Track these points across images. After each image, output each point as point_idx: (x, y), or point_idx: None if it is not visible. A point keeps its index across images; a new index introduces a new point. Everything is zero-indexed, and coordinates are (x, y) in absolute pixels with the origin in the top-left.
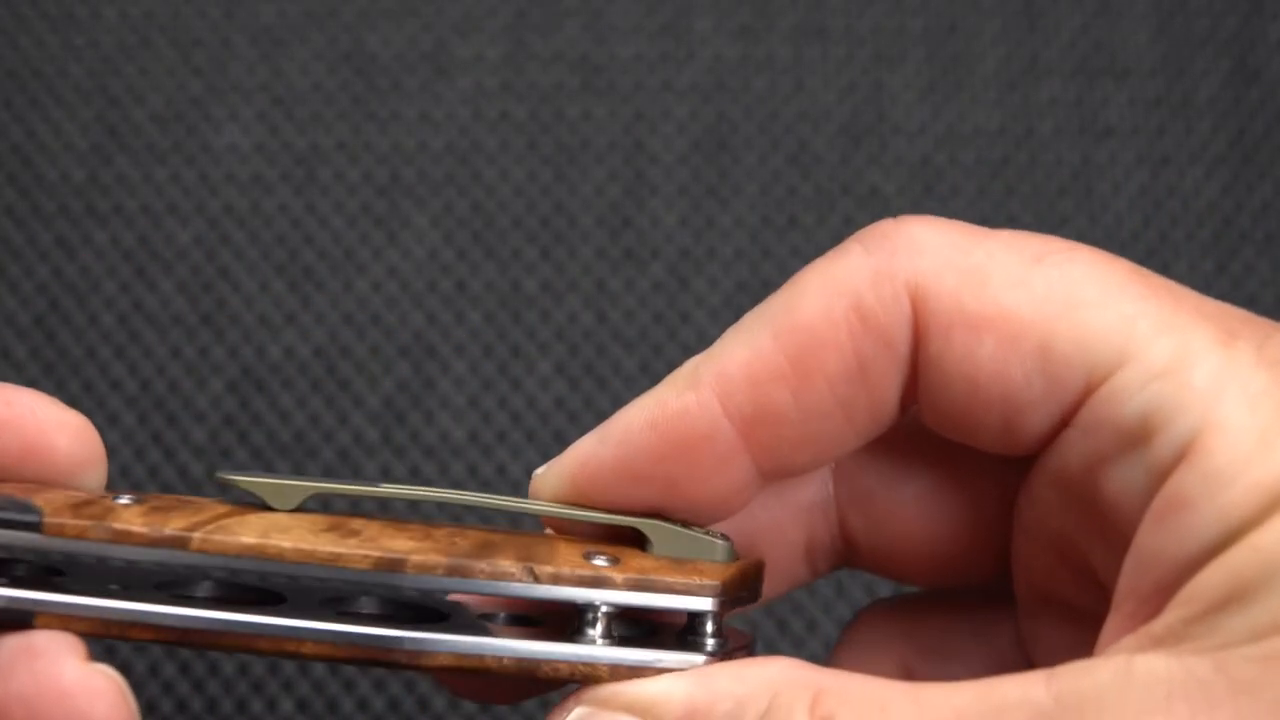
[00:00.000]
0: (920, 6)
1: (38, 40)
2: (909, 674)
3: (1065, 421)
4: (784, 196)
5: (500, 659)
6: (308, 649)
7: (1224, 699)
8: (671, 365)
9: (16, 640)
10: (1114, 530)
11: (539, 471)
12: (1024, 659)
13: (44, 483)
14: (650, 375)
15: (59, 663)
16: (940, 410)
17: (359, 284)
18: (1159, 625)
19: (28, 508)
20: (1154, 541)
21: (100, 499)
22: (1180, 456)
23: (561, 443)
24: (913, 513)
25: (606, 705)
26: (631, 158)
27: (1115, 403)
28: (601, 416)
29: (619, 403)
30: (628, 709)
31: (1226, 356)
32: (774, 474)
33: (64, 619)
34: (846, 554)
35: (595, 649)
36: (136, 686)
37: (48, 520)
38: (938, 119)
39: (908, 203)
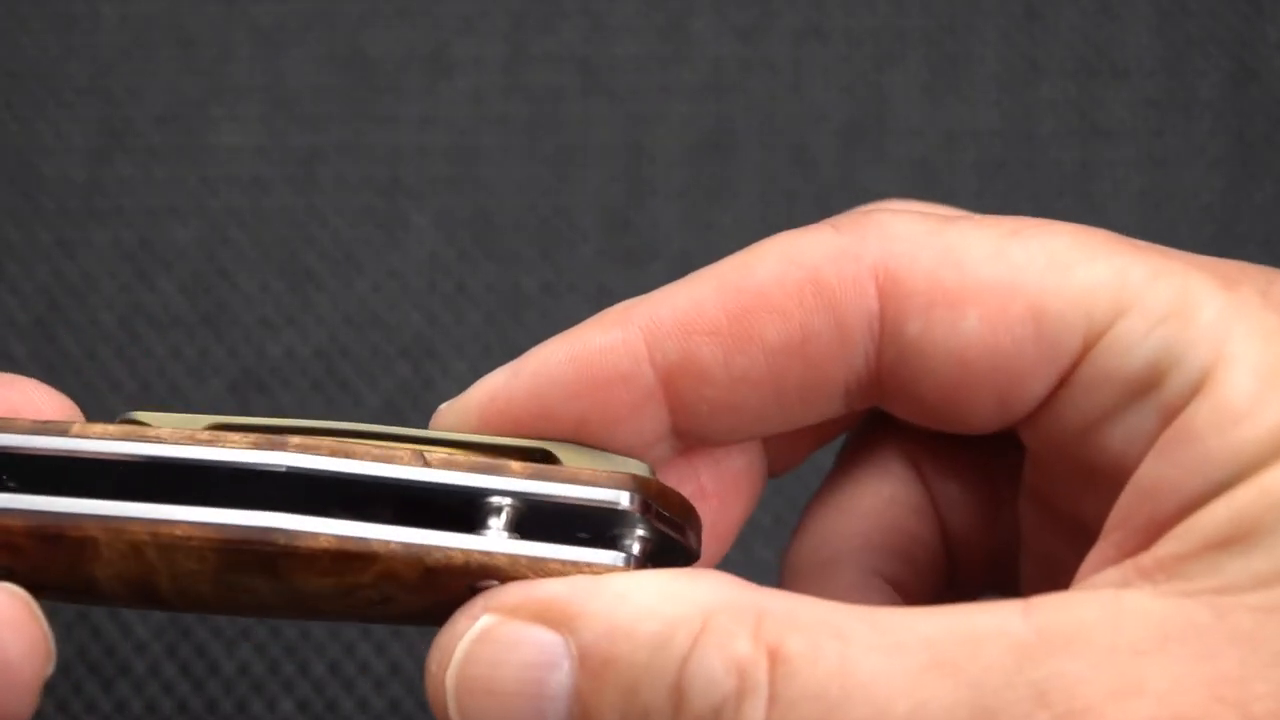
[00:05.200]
0: (920, 6)
1: (38, 40)
2: (917, 469)
3: (1063, 382)
4: (784, 196)
5: (388, 543)
6: (181, 530)
7: (1223, 648)
8: None
9: None
10: (1116, 484)
11: (443, 406)
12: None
13: None
14: None
15: None
16: (922, 397)
17: (359, 284)
18: (1148, 558)
19: None
20: (1155, 472)
21: None
22: (1192, 393)
23: None
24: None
25: (515, 614)
26: (631, 158)
27: (1119, 353)
28: None
29: None
30: (538, 617)
31: (1231, 299)
32: (687, 435)
33: None
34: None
35: (494, 540)
36: (137, 686)
37: None
38: (938, 119)
39: None
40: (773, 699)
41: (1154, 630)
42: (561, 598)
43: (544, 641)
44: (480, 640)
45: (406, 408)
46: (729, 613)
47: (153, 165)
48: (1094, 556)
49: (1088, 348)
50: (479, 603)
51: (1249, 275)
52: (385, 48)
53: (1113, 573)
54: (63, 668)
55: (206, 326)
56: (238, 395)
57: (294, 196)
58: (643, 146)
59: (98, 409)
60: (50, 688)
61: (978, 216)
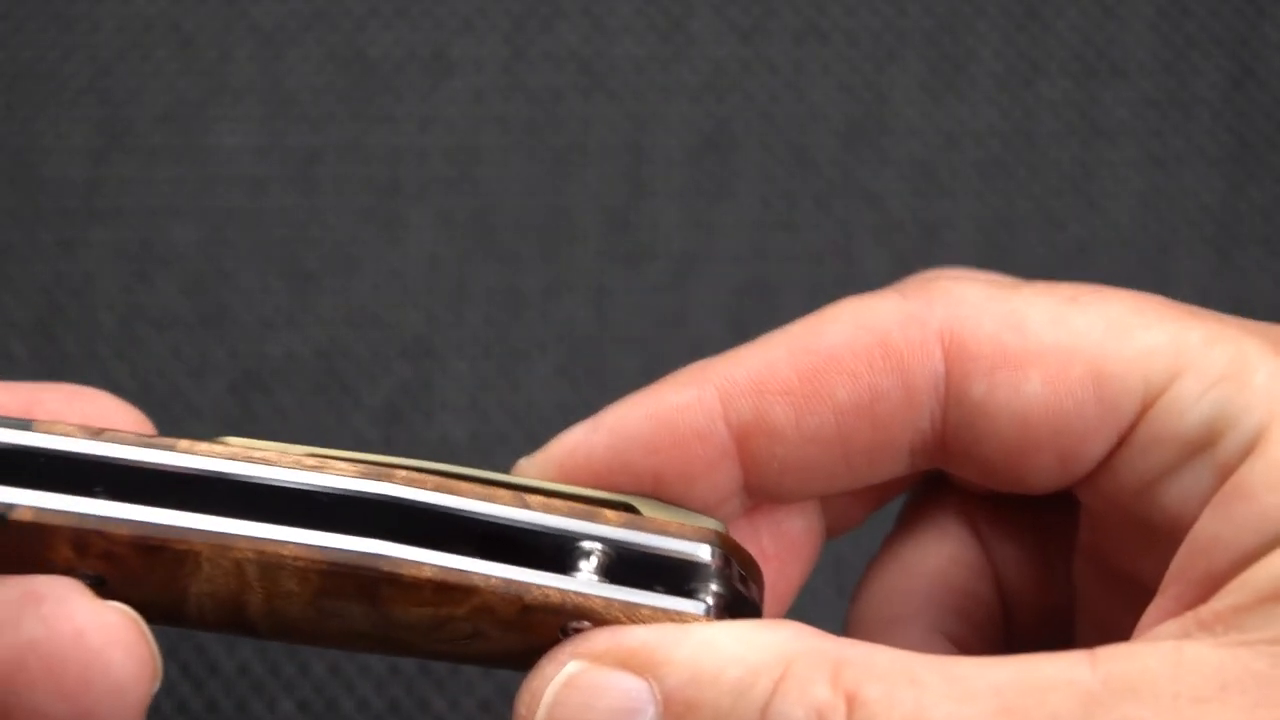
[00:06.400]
0: (920, 6)
1: (38, 40)
2: (975, 529)
3: (1122, 442)
4: (784, 196)
5: (489, 577)
6: (289, 551)
7: (1279, 695)
8: (671, 366)
9: (14, 586)
10: (1173, 541)
11: (523, 460)
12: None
13: None
14: (650, 376)
15: (67, 603)
16: (985, 458)
17: (359, 284)
18: (1207, 611)
19: (23, 421)
20: (1211, 528)
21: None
22: (1246, 452)
23: None
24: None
25: (601, 660)
26: (631, 158)
27: (1176, 413)
28: None
29: None
30: (624, 663)
31: None
32: (757, 492)
33: (39, 513)
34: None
35: (588, 583)
36: None
37: (38, 422)
38: (938, 119)
39: (908, 203)
40: None
41: (1213, 679)
42: (649, 644)
43: (630, 687)
44: (568, 685)
45: (406, 408)
46: (808, 660)
47: (153, 165)
48: (1153, 610)
49: (1146, 409)
50: (566, 648)
51: None
52: (385, 48)
53: (1173, 625)
54: None
55: (206, 326)
56: (238, 395)
57: (294, 196)
58: (643, 146)
59: None
60: None
61: (1039, 284)
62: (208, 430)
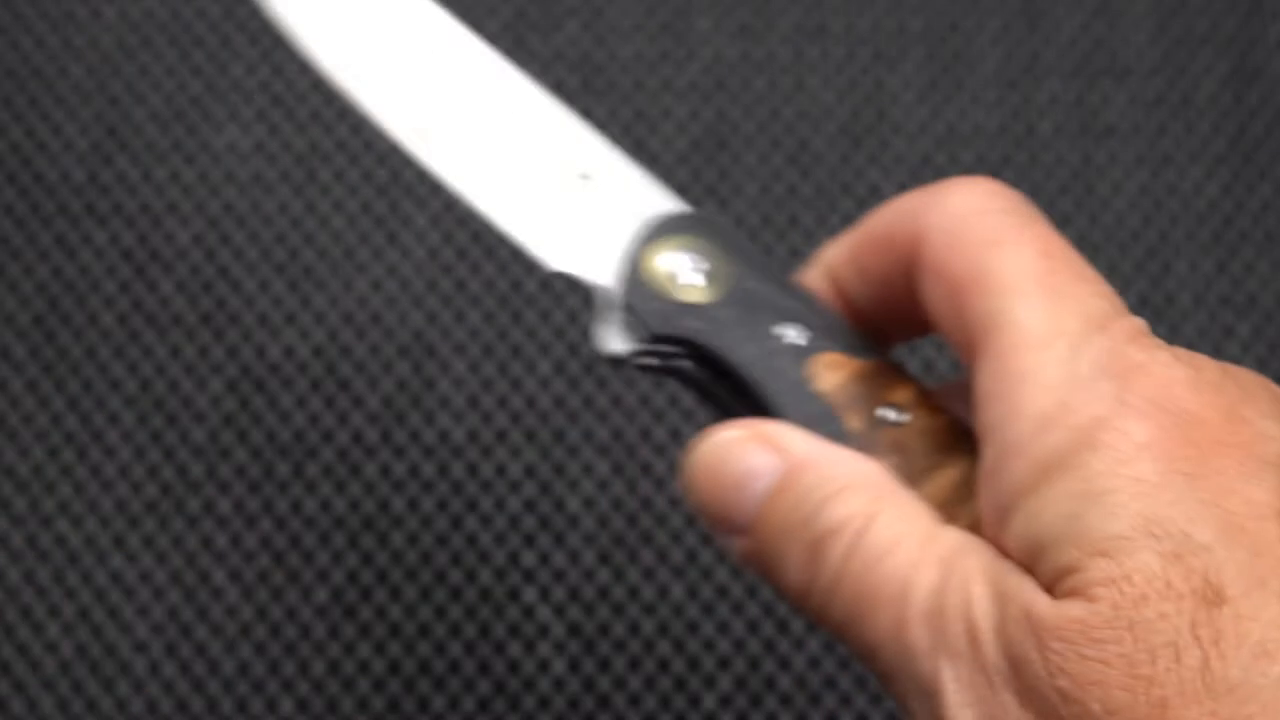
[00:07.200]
0: (920, 6)
1: (38, 40)
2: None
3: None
4: (784, 196)
5: None
6: None
7: None
8: None
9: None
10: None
11: None
12: None
13: None
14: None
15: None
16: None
17: (359, 284)
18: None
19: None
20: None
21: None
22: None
23: (562, 442)
24: None
25: (741, 436)
26: (631, 158)
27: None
28: (601, 416)
29: (619, 402)
30: (758, 438)
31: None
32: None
33: None
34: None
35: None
36: (137, 686)
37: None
38: (938, 119)
39: None
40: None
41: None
42: (780, 431)
43: (758, 459)
44: (713, 448)
45: (407, 407)
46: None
47: (152, 165)
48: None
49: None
50: (719, 427)
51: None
52: None
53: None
54: (63, 667)
55: (206, 326)
56: (237, 395)
57: (294, 196)
58: (643, 146)
59: (98, 409)
60: (50, 687)
61: (1035, 231)
62: (204, 432)
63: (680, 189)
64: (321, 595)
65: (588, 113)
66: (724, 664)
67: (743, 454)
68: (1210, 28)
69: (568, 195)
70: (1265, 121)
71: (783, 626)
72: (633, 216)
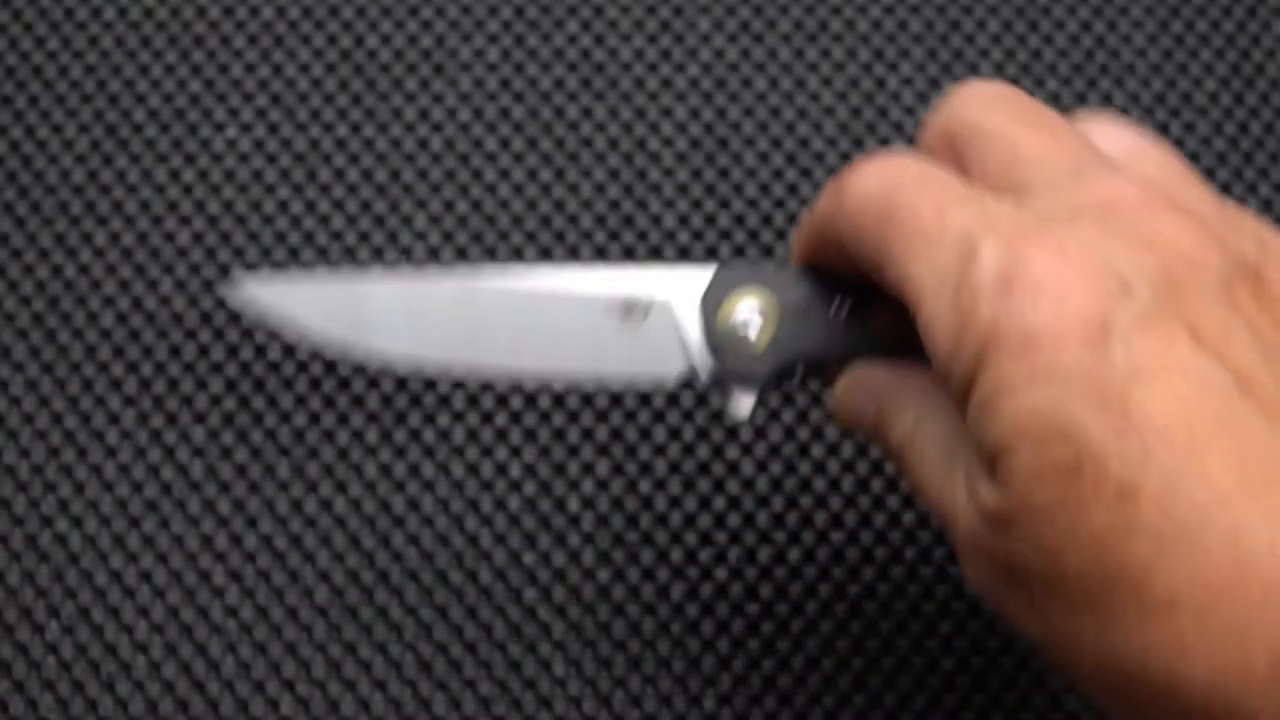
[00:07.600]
0: (920, 6)
1: (38, 40)
2: None
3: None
4: (784, 196)
5: None
6: None
7: None
8: None
9: None
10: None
11: None
12: None
13: None
14: None
15: None
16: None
17: None
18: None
19: None
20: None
21: None
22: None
23: (562, 442)
24: None
25: (864, 369)
26: (631, 158)
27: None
28: (601, 416)
29: (619, 402)
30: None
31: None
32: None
33: None
34: None
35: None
36: (138, 686)
37: None
38: None
39: None
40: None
41: None
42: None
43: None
44: (849, 381)
45: (406, 407)
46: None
47: (152, 165)
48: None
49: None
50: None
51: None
52: (385, 47)
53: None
54: (62, 667)
55: (206, 326)
56: (237, 395)
57: (294, 196)
58: (643, 146)
59: (97, 408)
60: (50, 687)
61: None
62: (204, 432)
63: (680, 189)
64: (322, 595)
65: (588, 113)
66: (724, 664)
67: (863, 398)
68: (1210, 28)
69: (615, 325)
70: (1265, 121)
71: (783, 627)
72: (680, 310)
